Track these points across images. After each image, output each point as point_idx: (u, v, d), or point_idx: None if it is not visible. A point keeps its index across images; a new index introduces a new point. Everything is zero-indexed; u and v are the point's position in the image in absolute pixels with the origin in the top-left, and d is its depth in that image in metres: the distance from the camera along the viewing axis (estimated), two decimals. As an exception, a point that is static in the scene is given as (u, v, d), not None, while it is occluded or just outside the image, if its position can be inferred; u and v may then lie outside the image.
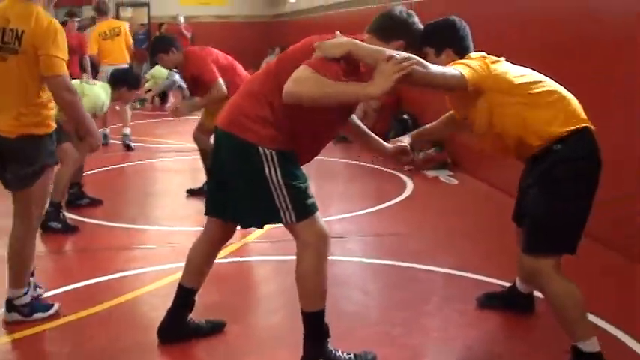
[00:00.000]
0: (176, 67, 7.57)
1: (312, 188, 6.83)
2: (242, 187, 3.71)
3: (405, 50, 3.53)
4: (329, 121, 3.75)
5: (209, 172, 4.87)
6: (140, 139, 11.56)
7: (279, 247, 5.85)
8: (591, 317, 3.97)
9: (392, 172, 8.82)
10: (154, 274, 5.34)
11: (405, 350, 4.06)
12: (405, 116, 10.11)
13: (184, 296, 4.17)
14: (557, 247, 3.67)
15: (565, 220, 3.64)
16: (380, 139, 4.23)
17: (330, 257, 5.64)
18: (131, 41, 11.68)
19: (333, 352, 3.78)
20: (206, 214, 4.03)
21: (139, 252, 5.81)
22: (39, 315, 4.52)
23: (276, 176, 3.61)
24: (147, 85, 15.71)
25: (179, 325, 4.18)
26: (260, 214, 3.77)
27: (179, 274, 5.15)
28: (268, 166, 3.59)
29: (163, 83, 15.90)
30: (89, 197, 7.41)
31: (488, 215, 6.81)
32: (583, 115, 3.73)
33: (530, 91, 3.71)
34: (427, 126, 4.47)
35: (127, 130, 10.95)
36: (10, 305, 4.48)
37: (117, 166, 9.76)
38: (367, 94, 3.36)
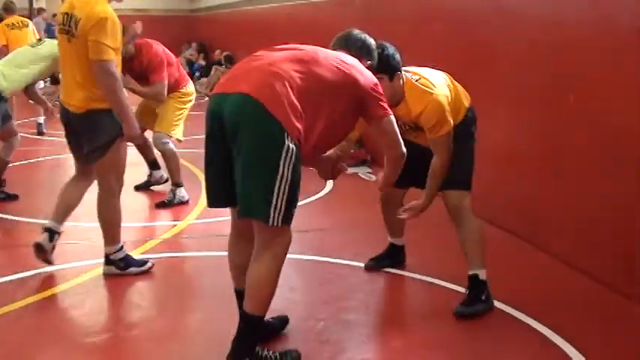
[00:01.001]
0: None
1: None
2: (248, 166, 3.40)
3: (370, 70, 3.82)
4: (338, 139, 3.89)
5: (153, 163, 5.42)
6: (52, 133, 11.36)
7: (201, 244, 5.82)
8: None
9: (311, 168, 8.79)
10: (73, 270, 5.22)
11: (329, 345, 4.06)
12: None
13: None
14: (470, 183, 4.54)
15: (473, 163, 4.58)
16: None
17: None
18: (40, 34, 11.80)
19: (259, 351, 3.71)
20: (211, 205, 3.72)
21: (58, 248, 5.67)
22: (133, 269, 5.08)
23: (287, 173, 3.40)
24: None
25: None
26: (249, 201, 3.46)
27: (99, 271, 5.11)
28: (284, 159, 3.38)
29: None
30: (4, 192, 7.24)
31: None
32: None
33: (455, 88, 4.52)
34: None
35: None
36: (108, 260, 5.06)
37: (34, 160, 9.53)
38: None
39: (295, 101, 3.41)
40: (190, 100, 7.37)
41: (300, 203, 7.07)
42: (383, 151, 3.98)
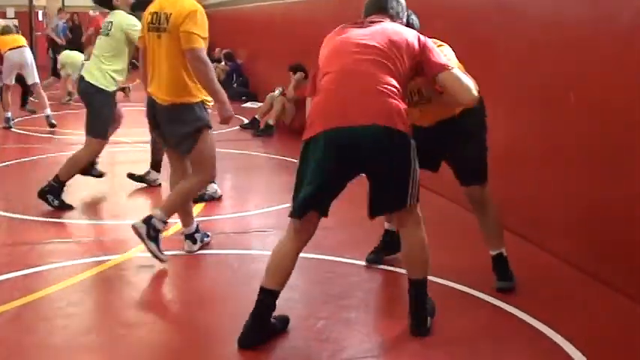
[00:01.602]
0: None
1: (233, 182, 6.77)
2: (390, 178, 3.95)
3: None
4: None
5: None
6: (55, 131, 11.35)
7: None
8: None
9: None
10: (71, 269, 5.18)
11: (329, 344, 4.05)
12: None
13: (272, 299, 4.06)
14: (487, 174, 4.78)
15: (486, 156, 4.78)
16: None
17: (251, 252, 5.69)
18: None
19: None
20: (304, 212, 4.01)
21: (52, 247, 5.65)
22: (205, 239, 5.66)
23: (414, 164, 3.94)
24: (62, 74, 15.21)
25: (266, 328, 4.05)
26: (390, 202, 4.05)
27: (95, 269, 5.09)
28: (411, 155, 3.92)
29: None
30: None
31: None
32: None
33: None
34: None
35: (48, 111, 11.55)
36: (189, 236, 5.56)
37: (28, 159, 9.50)
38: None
39: (400, 105, 3.89)
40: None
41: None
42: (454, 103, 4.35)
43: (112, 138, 7.48)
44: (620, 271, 4.85)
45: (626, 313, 4.56)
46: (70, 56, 14.74)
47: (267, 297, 4.00)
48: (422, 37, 4.09)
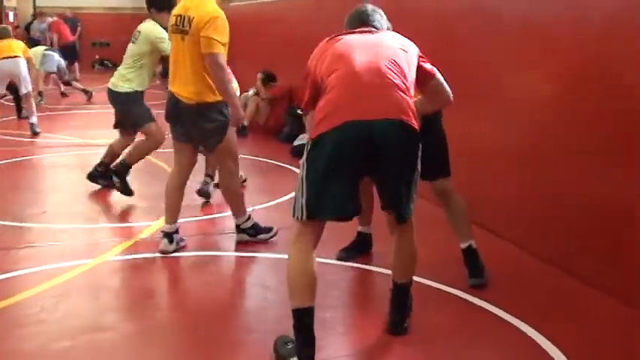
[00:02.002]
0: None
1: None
2: (403, 175, 3.87)
3: None
4: None
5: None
6: (27, 134, 11.26)
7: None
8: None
9: (286, 165, 8.80)
10: (45, 273, 5.13)
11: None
12: (299, 111, 10.07)
13: (312, 316, 3.76)
14: (450, 169, 4.91)
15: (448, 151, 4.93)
16: None
17: (225, 253, 5.67)
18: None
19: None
20: (316, 217, 3.80)
21: (26, 252, 5.60)
22: (262, 236, 5.82)
23: (418, 166, 3.93)
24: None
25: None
26: (398, 202, 3.95)
27: (69, 274, 5.05)
28: (419, 155, 3.91)
29: (49, 64, 15.39)
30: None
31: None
32: None
33: None
34: None
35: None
36: (239, 229, 5.83)
37: (3, 162, 9.41)
38: None
39: (410, 103, 3.83)
40: None
41: (275, 202, 7.14)
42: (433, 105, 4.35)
43: (81, 140, 7.46)
44: (592, 265, 4.89)
45: (598, 307, 4.60)
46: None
47: (306, 316, 3.74)
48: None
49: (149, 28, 7.07)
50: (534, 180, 5.49)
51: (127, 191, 7.19)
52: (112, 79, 7.23)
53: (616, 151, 4.67)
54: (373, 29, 4.15)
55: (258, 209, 6.62)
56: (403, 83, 3.83)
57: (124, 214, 6.94)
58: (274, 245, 5.76)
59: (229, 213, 6.04)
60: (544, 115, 5.34)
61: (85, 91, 16.40)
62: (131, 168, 7.25)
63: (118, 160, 7.37)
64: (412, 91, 3.91)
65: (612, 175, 4.71)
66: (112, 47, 26.46)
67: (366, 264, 5.28)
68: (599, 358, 3.97)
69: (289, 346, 3.77)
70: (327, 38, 4.05)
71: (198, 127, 5.46)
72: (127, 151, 7.41)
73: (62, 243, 5.82)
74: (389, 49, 3.92)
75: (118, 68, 7.30)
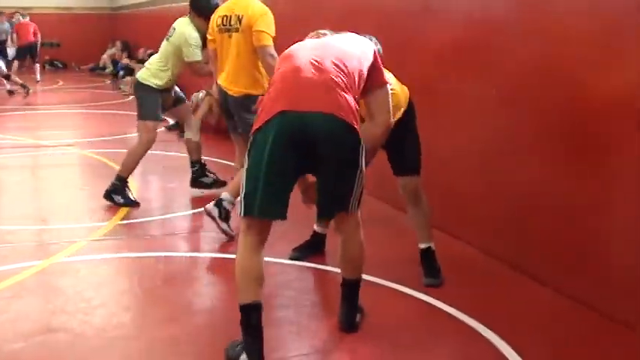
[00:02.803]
0: None
1: (158, 184, 6.71)
2: (340, 173, 3.85)
3: None
4: None
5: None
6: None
7: (127, 245, 5.76)
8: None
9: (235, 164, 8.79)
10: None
11: (258, 344, 4.04)
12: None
13: (259, 311, 3.77)
14: (420, 168, 4.96)
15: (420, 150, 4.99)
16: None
17: (177, 254, 5.67)
18: None
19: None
20: (271, 216, 3.83)
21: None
22: (224, 226, 5.87)
23: (362, 165, 3.90)
24: None
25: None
26: (339, 201, 3.95)
27: (20, 275, 5.01)
28: (361, 155, 3.87)
29: None
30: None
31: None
32: None
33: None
34: None
35: None
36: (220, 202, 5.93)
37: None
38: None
39: (352, 102, 3.81)
40: None
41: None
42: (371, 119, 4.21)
43: (34, 141, 7.37)
44: (543, 263, 4.97)
45: (550, 304, 4.68)
46: None
47: (254, 311, 3.74)
48: (375, 50, 4.17)
49: (184, 26, 7.04)
50: (491, 181, 5.55)
51: (133, 203, 6.96)
52: (143, 74, 7.11)
53: (573, 151, 4.71)
54: (327, 34, 4.24)
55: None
56: (346, 82, 3.80)
57: (75, 215, 6.89)
58: (227, 246, 5.76)
59: (178, 213, 6.03)
60: (497, 116, 5.41)
61: (23, 86, 16.41)
62: (127, 179, 7.05)
63: (113, 179, 7.06)
64: (357, 92, 3.93)
65: (570, 175, 4.77)
66: (63, 48, 26.25)
67: (319, 263, 5.30)
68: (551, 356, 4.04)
69: (238, 348, 3.76)
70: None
71: (242, 118, 5.85)
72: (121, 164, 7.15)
73: (12, 244, 5.76)
74: (336, 49, 3.95)
75: (150, 62, 7.20)
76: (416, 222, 5.04)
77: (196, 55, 6.88)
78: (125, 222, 6.41)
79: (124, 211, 6.70)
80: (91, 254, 5.60)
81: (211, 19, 6.08)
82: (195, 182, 7.48)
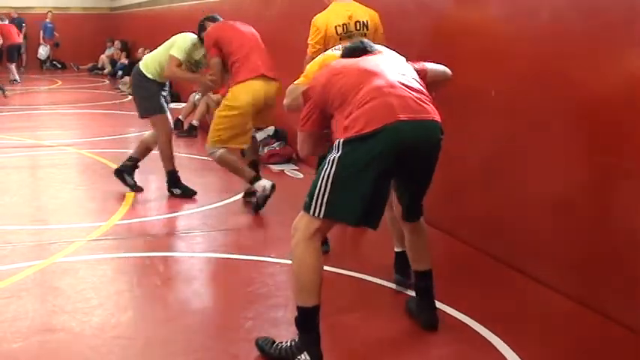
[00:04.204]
0: None
1: (157, 183, 6.73)
2: (429, 177, 3.99)
3: None
4: None
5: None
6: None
7: (125, 245, 5.77)
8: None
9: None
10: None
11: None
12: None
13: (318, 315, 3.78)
14: None
15: None
16: None
17: (176, 254, 5.68)
18: None
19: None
20: (334, 217, 3.74)
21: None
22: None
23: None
24: None
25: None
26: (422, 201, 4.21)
27: (18, 275, 5.02)
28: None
29: None
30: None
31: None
32: None
33: None
34: None
35: None
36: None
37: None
38: None
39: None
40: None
41: (225, 202, 7.15)
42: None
43: (33, 142, 7.38)
44: (543, 263, 5.00)
45: (550, 304, 4.69)
46: None
47: (317, 313, 3.75)
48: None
49: (183, 34, 7.28)
50: (491, 180, 5.58)
51: (189, 192, 7.38)
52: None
53: (573, 150, 4.74)
54: (374, 51, 4.23)
55: (207, 209, 6.65)
56: (424, 88, 3.93)
57: (75, 215, 6.90)
58: (226, 245, 5.77)
59: (177, 213, 6.05)
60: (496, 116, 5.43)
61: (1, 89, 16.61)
62: (176, 169, 7.41)
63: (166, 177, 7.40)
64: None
65: (568, 174, 4.80)
66: (62, 48, 26.25)
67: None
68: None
69: (284, 346, 3.81)
70: (331, 66, 4.08)
71: None
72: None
73: (11, 244, 5.77)
74: (404, 66, 4.08)
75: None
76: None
77: (177, 53, 7.02)
78: (124, 222, 6.42)
79: (122, 211, 6.71)
80: (90, 254, 5.61)
81: (319, 29, 5.86)
82: (119, 173, 7.52)
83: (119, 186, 7.35)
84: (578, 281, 4.65)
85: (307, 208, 3.70)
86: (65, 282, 5.03)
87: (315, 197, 3.66)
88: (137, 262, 5.51)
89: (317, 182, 3.68)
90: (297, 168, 8.76)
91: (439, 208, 5.80)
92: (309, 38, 5.88)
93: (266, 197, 6.64)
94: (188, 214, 6.81)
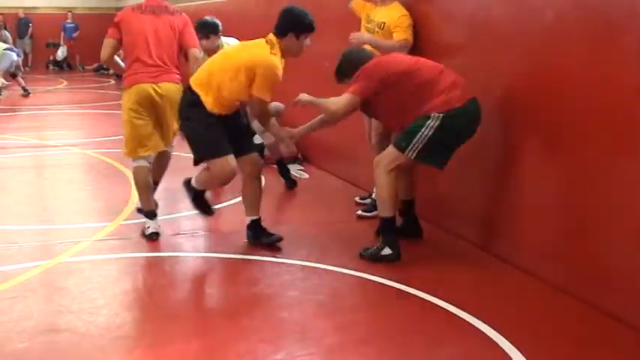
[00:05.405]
0: None
1: (163, 184, 6.73)
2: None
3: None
4: None
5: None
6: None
7: (131, 245, 5.78)
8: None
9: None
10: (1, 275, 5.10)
11: (264, 344, 4.06)
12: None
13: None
14: None
15: None
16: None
17: (181, 254, 5.68)
18: None
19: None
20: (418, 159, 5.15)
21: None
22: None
23: None
24: None
25: None
26: None
27: (25, 275, 5.03)
28: None
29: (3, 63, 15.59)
30: None
31: (340, 207, 6.89)
32: None
33: None
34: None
35: None
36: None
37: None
38: None
39: None
40: None
41: (229, 202, 7.15)
42: None
43: (38, 142, 7.38)
44: (544, 263, 4.99)
45: (551, 302, 4.68)
46: None
47: (392, 221, 5.30)
48: None
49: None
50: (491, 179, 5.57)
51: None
52: None
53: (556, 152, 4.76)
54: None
55: (234, 202, 6.63)
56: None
57: (80, 215, 6.91)
58: (232, 246, 5.76)
59: (183, 213, 6.04)
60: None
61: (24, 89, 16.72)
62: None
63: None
64: None
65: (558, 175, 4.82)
66: (68, 48, 26.28)
67: (322, 263, 5.30)
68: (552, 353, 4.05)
69: (374, 249, 5.27)
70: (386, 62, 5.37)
71: None
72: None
73: (17, 244, 5.78)
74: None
75: None
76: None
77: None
78: (129, 222, 6.42)
79: (128, 211, 6.71)
80: (96, 254, 5.61)
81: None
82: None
83: (124, 186, 7.35)
84: (585, 281, 4.64)
85: (402, 149, 5.09)
86: (71, 282, 5.03)
87: (412, 144, 5.03)
88: (143, 262, 5.52)
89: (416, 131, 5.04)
90: (302, 168, 8.75)
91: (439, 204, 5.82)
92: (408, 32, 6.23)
93: (143, 234, 6.01)
94: (193, 214, 6.80)
